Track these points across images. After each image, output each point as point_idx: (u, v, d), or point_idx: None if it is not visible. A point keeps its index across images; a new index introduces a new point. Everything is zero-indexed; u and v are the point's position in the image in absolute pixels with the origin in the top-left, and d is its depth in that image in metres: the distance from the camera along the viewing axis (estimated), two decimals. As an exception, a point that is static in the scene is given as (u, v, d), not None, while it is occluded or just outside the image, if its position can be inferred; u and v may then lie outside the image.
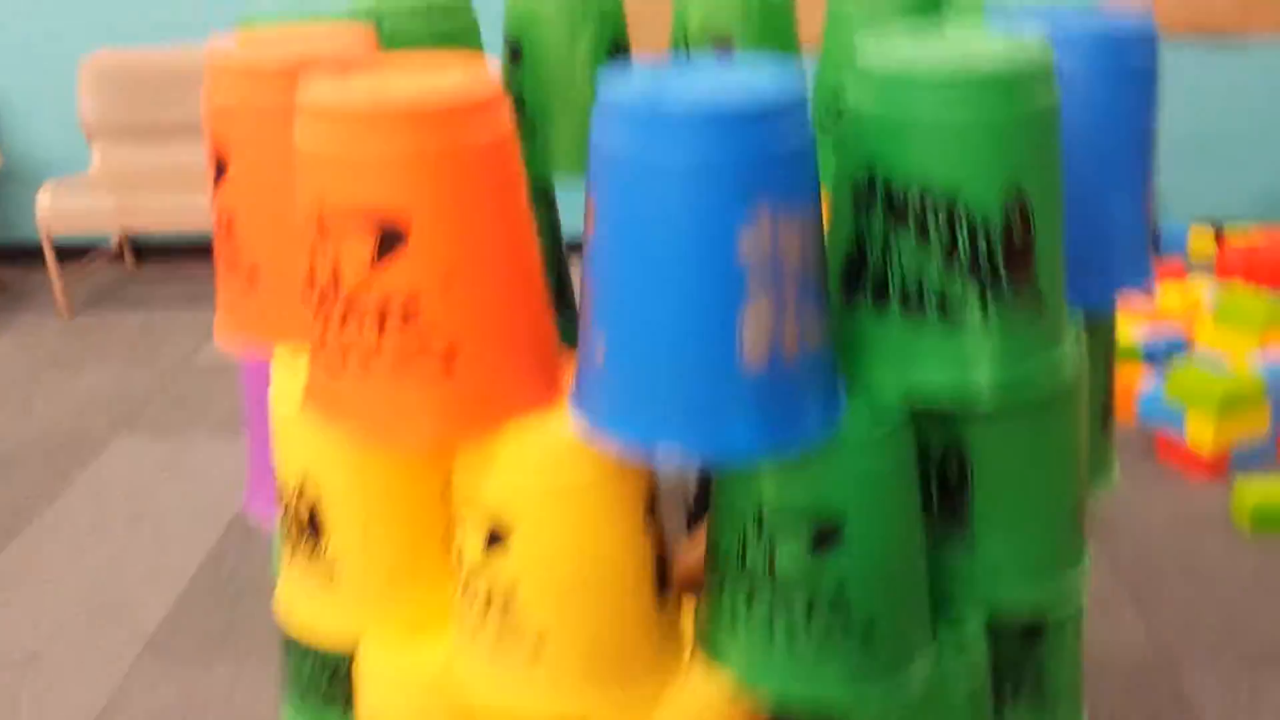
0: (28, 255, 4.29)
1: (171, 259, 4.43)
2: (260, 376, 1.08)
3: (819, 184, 0.77)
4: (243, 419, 3.15)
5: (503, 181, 0.78)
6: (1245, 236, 3.67)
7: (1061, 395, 0.94)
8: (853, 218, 0.84)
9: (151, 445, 3.05)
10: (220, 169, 0.92)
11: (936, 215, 0.80)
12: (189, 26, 4.06)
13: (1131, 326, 3.29)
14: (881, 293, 0.85)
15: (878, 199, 0.81)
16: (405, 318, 0.79)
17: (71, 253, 3.99)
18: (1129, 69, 0.93)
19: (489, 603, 0.90)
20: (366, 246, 0.77)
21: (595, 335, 0.80)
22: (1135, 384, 2.91)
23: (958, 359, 0.85)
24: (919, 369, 0.86)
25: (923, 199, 0.79)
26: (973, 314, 0.83)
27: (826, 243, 0.83)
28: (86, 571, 2.49)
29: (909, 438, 0.89)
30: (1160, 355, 2.99)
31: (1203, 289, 3.30)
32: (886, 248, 0.83)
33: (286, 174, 0.89)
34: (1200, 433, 2.68)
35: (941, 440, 0.96)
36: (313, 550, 1.00)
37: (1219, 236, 3.82)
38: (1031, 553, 1.03)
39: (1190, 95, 4.04)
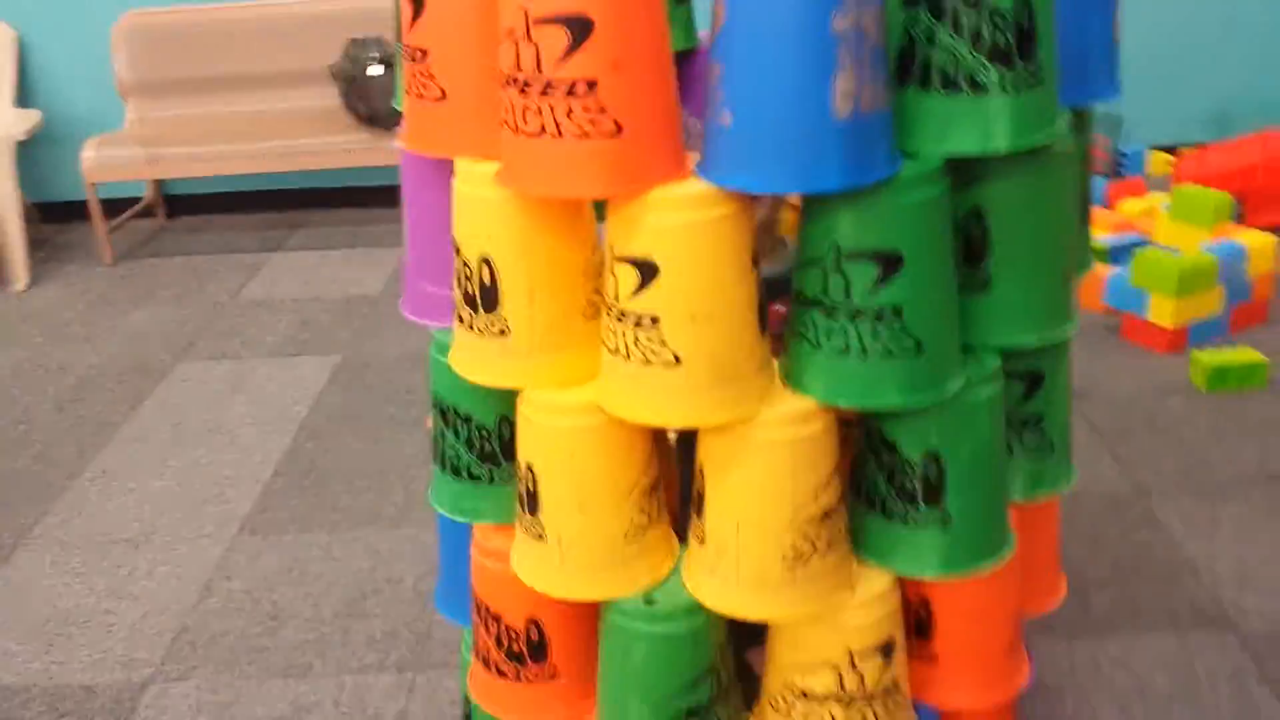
0: (64, 212, 4.54)
1: (201, 212, 4.70)
2: (426, 186, 1.37)
3: None
4: (293, 346, 3.43)
5: None
6: (1196, 152, 4.02)
7: (1058, 159, 1.25)
8: (904, 18, 1.15)
9: (213, 367, 3.33)
10: (418, 9, 1.21)
11: (969, 9, 1.11)
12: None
13: (1098, 233, 3.63)
14: (925, 75, 1.15)
15: (922, 1, 1.13)
16: (588, 95, 1.09)
17: (108, 209, 4.24)
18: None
19: (636, 330, 1.20)
20: (564, 39, 1.07)
21: (723, 106, 1.10)
22: (1102, 276, 3.24)
23: (985, 124, 1.15)
24: (955, 133, 1.15)
25: (960, -2, 1.11)
26: (994, 88, 1.13)
27: (893, 40, 1.14)
28: (175, 471, 2.77)
29: (949, 188, 1.20)
30: (1124, 252, 3.32)
31: (1160, 199, 3.63)
32: (930, 39, 1.13)
33: (471, 13, 1.19)
34: (1161, 311, 3.02)
35: (966, 204, 1.26)
36: (487, 318, 1.30)
37: (1175, 156, 4.16)
38: (1035, 301, 1.34)
39: (1140, 26, 4.37)
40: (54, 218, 4.59)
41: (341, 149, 4.10)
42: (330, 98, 4.19)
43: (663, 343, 1.21)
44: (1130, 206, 3.78)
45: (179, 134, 4.21)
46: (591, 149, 1.12)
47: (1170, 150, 4.25)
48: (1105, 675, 1.91)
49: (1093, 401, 2.80)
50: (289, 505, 2.57)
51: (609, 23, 1.07)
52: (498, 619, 1.49)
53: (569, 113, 1.10)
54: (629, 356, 1.23)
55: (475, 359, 1.34)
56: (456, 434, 1.48)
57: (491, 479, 1.48)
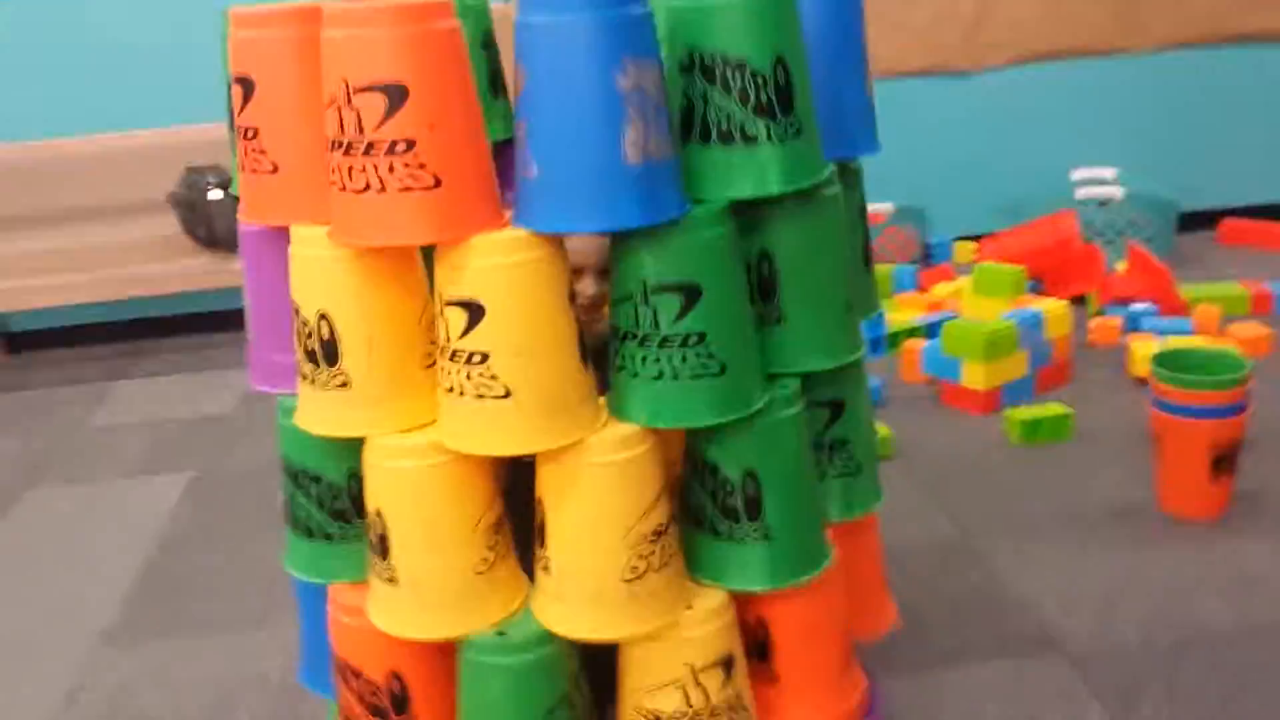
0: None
1: (44, 347, 4.63)
2: (265, 255, 1.48)
3: (659, 47, 1.26)
4: (145, 466, 3.41)
5: (462, 58, 1.25)
6: (996, 238, 4.39)
7: (829, 203, 1.44)
8: (682, 83, 1.33)
9: (65, 491, 3.27)
10: (248, 93, 1.34)
11: (735, 74, 1.30)
12: (35, 122, 4.36)
13: (912, 313, 3.93)
14: (705, 132, 1.32)
15: (696, 67, 1.31)
16: (407, 153, 1.23)
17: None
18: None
19: (468, 368, 1.32)
20: (382, 104, 1.21)
21: (529, 160, 1.25)
22: (919, 349, 3.50)
23: (759, 170, 1.33)
24: (736, 180, 1.33)
25: (724, 63, 1.29)
26: (763, 139, 1.32)
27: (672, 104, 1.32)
28: (32, 589, 2.72)
29: (735, 228, 1.37)
30: (937, 327, 3.59)
31: (966, 281, 3.95)
32: (705, 100, 1.31)
33: (294, 91, 1.33)
34: (973, 375, 3.27)
35: (756, 247, 1.43)
36: (329, 372, 1.40)
37: (978, 243, 4.53)
38: (823, 331, 1.50)
39: (938, 130, 4.80)
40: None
41: (183, 274, 4.14)
42: (170, 226, 4.25)
43: (493, 377, 1.33)
44: (940, 289, 4.10)
45: (18, 267, 4.19)
46: (414, 200, 1.26)
47: (974, 239, 4.63)
48: (949, 703, 2.04)
49: (918, 460, 3.00)
50: (148, 615, 2.55)
51: (423, 88, 1.22)
52: (358, 674, 1.55)
53: (390, 169, 1.24)
54: (463, 394, 1.35)
55: (319, 413, 1.44)
56: (308, 495, 1.56)
57: (344, 536, 1.56)
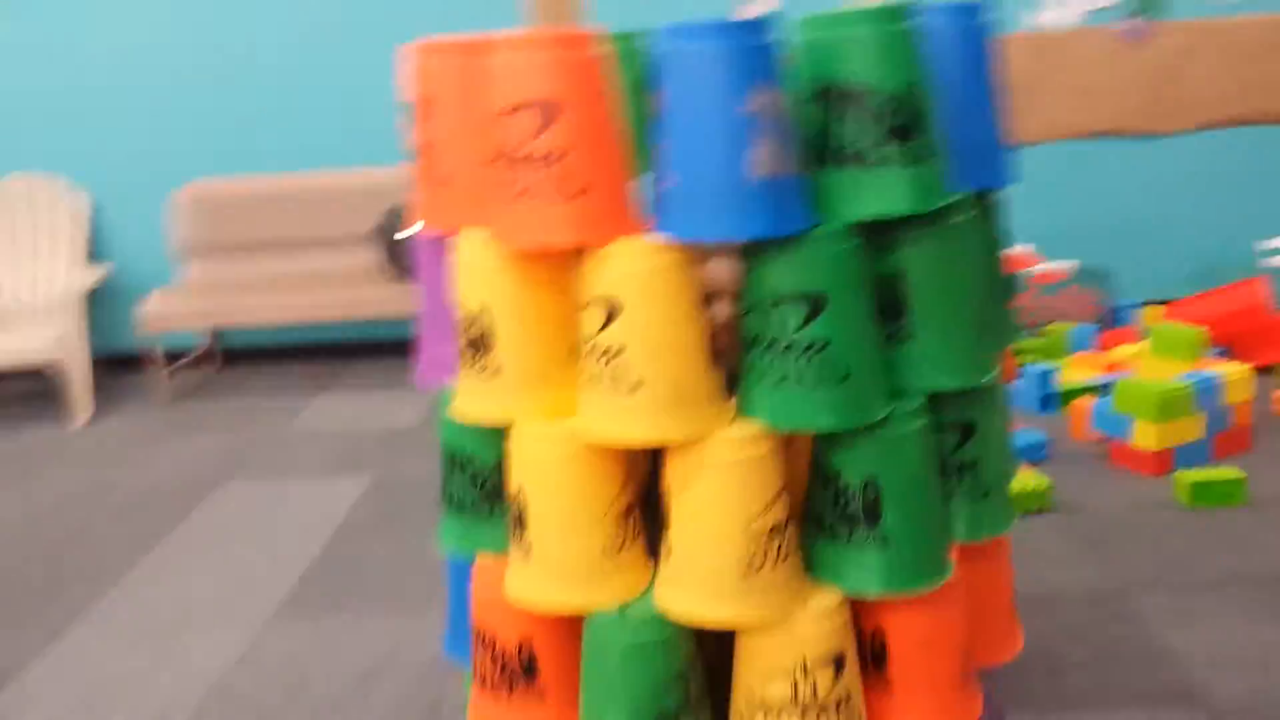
0: (125, 362, 4.91)
1: (253, 362, 5.06)
2: (437, 260, 1.64)
3: (785, 74, 1.38)
4: (332, 469, 3.68)
5: (608, 82, 1.39)
6: (1184, 302, 4.26)
7: (961, 229, 1.49)
8: (816, 109, 1.42)
9: (259, 485, 3.58)
10: (425, 111, 1.52)
11: (866, 100, 1.39)
12: (254, 159, 4.80)
13: (1089, 373, 3.85)
14: (838, 156, 1.41)
15: (830, 94, 1.40)
16: (559, 165, 1.38)
17: (166, 360, 4.61)
18: (974, 29, 1.53)
19: (606, 361, 1.44)
20: (536, 121, 1.37)
21: (670, 173, 1.38)
22: (1089, 406, 3.44)
23: (886, 191, 1.41)
24: (862, 201, 1.42)
25: (856, 90, 1.39)
26: (894, 162, 1.40)
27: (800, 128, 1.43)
28: (219, 566, 2.99)
29: (861, 243, 1.44)
30: (1109, 387, 3.51)
31: (1146, 344, 3.85)
32: (839, 125, 1.40)
33: (466, 110, 1.50)
34: (1145, 435, 3.19)
35: (889, 268, 1.51)
36: (485, 360, 1.55)
37: (1165, 308, 4.40)
38: (952, 351, 1.55)
39: (1130, 191, 4.71)
40: (115, 366, 4.96)
41: (379, 300, 4.47)
42: (370, 258, 4.62)
43: (627, 370, 1.44)
44: (1121, 351, 4.01)
45: (234, 289, 4.61)
46: (561, 208, 1.40)
47: (1162, 303, 4.49)
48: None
49: (1080, 515, 2.96)
50: (321, 593, 2.77)
51: (572, 106, 1.37)
52: (493, 642, 1.68)
53: (542, 179, 1.38)
54: (599, 384, 1.47)
55: (473, 401, 1.58)
56: (462, 472, 1.71)
57: (490, 512, 1.70)
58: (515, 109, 1.38)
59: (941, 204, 1.46)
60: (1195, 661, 2.24)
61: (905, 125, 1.40)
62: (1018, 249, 4.35)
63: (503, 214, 1.44)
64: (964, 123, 1.53)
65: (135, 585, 2.92)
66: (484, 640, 1.69)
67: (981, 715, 1.74)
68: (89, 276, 4.60)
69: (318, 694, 2.33)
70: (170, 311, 4.49)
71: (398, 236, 4.49)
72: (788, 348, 1.45)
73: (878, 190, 1.43)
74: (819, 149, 1.45)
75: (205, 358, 4.99)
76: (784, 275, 1.44)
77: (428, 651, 2.45)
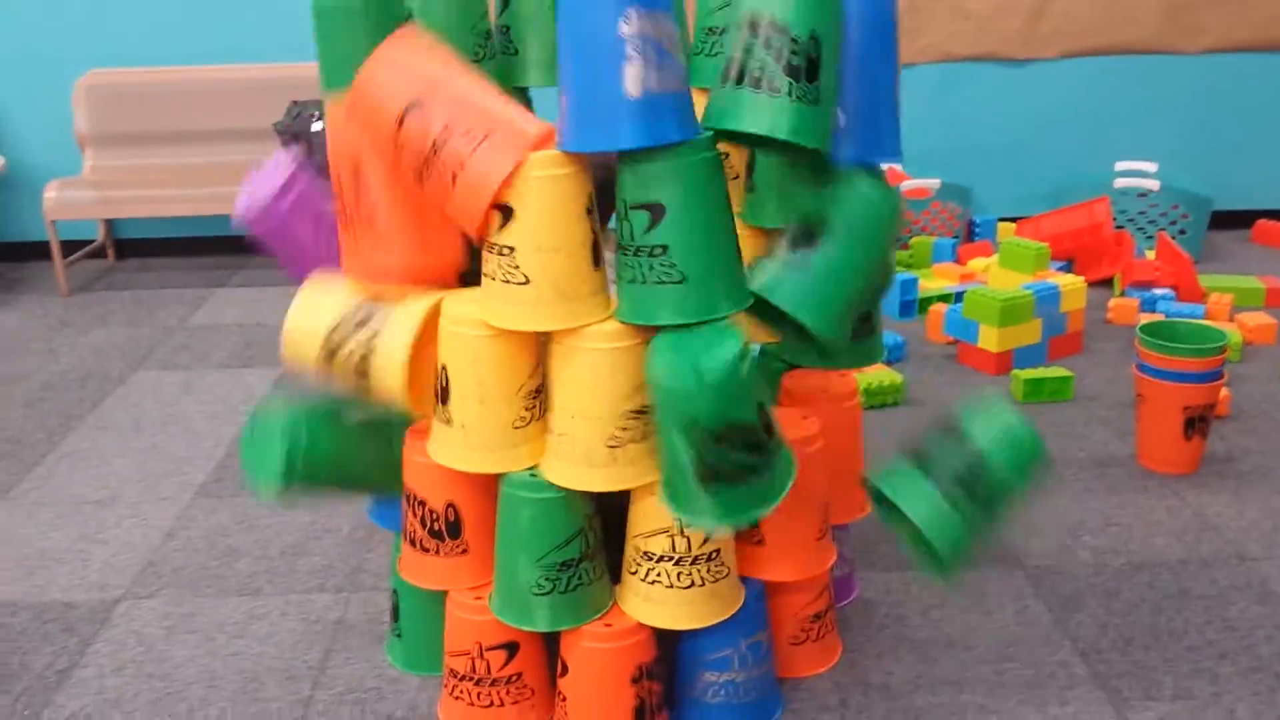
0: (19, 253, 4.92)
1: (149, 255, 5.11)
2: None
3: (672, 5, 1.59)
4: (238, 361, 3.83)
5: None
6: (1034, 220, 4.65)
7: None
8: (738, 37, 1.63)
9: (167, 375, 3.72)
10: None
11: (777, 35, 1.60)
12: (160, 52, 4.81)
13: (946, 282, 4.22)
14: (740, 77, 1.63)
15: (747, 25, 1.61)
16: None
17: (62, 250, 4.63)
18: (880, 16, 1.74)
19: (500, 256, 1.68)
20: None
21: (562, 96, 1.61)
22: (943, 311, 3.80)
23: (775, 113, 1.62)
24: (749, 118, 1.63)
25: (770, 25, 1.60)
26: (785, 91, 1.61)
27: (726, 54, 1.64)
28: (135, 451, 3.15)
29: (717, 157, 1.65)
30: (963, 295, 3.87)
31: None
32: (749, 52, 1.62)
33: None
34: (988, 338, 3.57)
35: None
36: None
37: (1017, 224, 4.79)
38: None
39: (990, 118, 5.07)
40: (10, 258, 4.95)
41: (283, 197, 4.57)
42: (273, 153, 4.68)
43: (516, 267, 1.68)
44: (975, 263, 4.39)
45: (134, 180, 4.65)
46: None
47: (1016, 220, 4.89)
48: (914, 595, 2.37)
49: (925, 407, 3.32)
50: (239, 477, 2.96)
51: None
52: (423, 504, 1.93)
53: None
54: (494, 278, 1.71)
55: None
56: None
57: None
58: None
59: (817, 145, 1.67)
60: (1015, 532, 2.61)
61: (804, 67, 1.61)
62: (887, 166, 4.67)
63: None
64: (867, 95, 1.75)
65: (56, 467, 3.06)
66: (414, 503, 1.94)
67: (833, 564, 2.07)
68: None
69: (248, 564, 2.55)
70: (69, 201, 4.51)
71: (302, 130, 4.57)
72: (637, 251, 1.67)
73: (770, 110, 1.63)
74: (729, 69, 1.65)
75: (100, 250, 5.03)
76: (632, 185, 1.65)
77: (345, 526, 2.69)
